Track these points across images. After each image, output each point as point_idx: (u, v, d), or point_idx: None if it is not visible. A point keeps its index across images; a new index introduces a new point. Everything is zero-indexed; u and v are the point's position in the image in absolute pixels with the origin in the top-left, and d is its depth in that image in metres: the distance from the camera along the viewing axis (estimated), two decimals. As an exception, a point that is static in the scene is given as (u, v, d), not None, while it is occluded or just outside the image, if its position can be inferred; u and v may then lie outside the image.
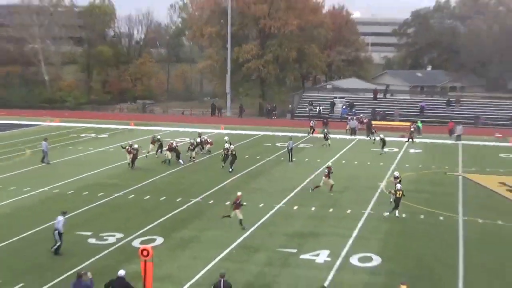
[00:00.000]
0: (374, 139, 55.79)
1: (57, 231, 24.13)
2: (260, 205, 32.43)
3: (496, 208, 33.16)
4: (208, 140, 49.92)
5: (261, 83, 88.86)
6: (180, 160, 43.96)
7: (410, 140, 55.81)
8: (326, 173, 35.83)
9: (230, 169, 41.36)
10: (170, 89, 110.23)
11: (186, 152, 45.23)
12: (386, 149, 50.68)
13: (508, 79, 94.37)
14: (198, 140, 48.42)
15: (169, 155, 44.19)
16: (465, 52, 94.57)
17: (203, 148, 48.67)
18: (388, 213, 30.75)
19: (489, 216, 31.13)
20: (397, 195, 30.56)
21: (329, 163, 38.16)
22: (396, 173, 35.22)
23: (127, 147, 43.29)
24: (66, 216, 25.10)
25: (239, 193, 28.89)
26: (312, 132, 61.55)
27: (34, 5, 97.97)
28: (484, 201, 34.51)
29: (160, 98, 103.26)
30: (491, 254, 25.49)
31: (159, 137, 48.39)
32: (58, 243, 24.08)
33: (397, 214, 30.48)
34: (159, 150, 46.71)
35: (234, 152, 41.95)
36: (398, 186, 31.33)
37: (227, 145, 43.69)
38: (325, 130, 56.20)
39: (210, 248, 25.32)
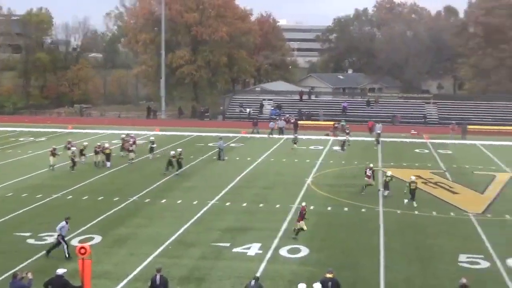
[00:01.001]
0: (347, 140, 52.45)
1: (60, 236, 23.08)
2: (194, 202, 32.08)
3: (413, 199, 33.84)
4: (131, 141, 46.75)
5: (194, 86, 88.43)
6: (108, 162, 42.53)
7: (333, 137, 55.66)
8: (370, 174, 34.85)
9: (177, 172, 39.74)
10: (107, 93, 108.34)
11: (124, 153, 44.60)
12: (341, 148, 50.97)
13: (421, 80, 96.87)
14: (121, 141, 47.01)
15: (94, 157, 42.82)
16: (381, 56, 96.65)
17: (123, 149, 46.98)
18: (407, 201, 32.01)
19: (406, 207, 31.70)
20: (412, 187, 31.97)
21: (371, 164, 36.40)
22: (389, 173, 35.16)
23: (51, 149, 41.81)
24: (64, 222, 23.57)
25: (303, 204, 26.83)
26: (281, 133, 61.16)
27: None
28: (402, 193, 35.03)
29: (97, 102, 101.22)
30: (409, 241, 25.95)
31: (71, 141, 45.86)
32: (65, 246, 23.00)
33: (415, 205, 31.69)
34: (83, 155, 44.15)
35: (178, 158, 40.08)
36: (413, 177, 32.79)
37: (172, 153, 41.30)
38: (296, 135, 54.75)
39: (147, 245, 24.87)
